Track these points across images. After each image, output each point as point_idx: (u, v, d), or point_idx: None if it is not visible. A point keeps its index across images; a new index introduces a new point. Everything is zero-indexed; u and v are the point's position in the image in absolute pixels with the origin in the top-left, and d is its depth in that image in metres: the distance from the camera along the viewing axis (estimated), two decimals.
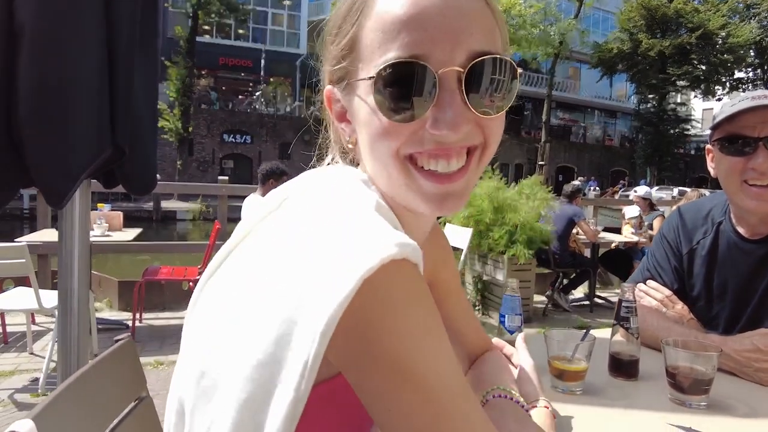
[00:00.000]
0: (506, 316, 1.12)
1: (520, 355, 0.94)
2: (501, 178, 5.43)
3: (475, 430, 0.51)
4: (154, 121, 1.86)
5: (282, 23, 29.60)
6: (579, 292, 6.05)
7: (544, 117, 25.00)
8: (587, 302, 5.80)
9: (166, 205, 18.24)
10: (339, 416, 0.61)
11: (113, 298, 4.98)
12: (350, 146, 0.65)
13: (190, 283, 4.29)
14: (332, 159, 0.71)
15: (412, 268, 0.51)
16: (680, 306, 1.39)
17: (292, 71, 28.67)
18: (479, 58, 0.55)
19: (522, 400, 0.81)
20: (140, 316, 4.53)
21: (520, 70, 0.61)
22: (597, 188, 24.15)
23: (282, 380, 0.48)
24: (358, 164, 0.67)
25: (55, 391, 0.77)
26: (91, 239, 4.25)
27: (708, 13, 28.01)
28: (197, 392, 0.56)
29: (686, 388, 0.99)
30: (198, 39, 22.00)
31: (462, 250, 4.95)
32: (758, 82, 31.27)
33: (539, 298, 5.69)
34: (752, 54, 30.43)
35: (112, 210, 5.03)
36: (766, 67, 30.87)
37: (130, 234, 4.78)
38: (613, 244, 6.06)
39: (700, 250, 1.38)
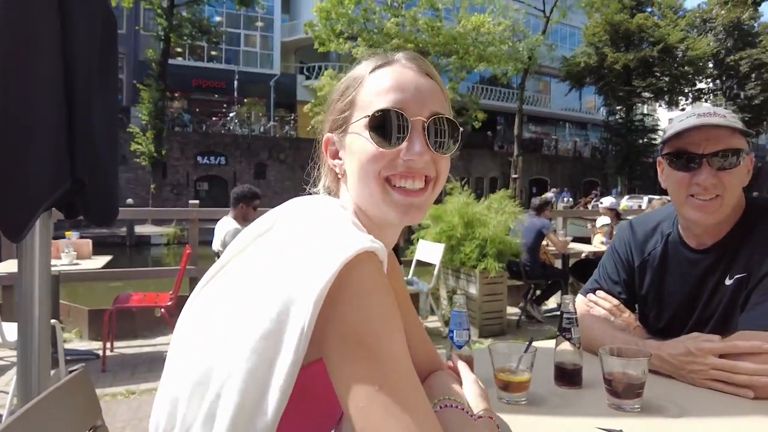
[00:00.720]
0: (454, 331, 1.16)
1: (461, 371, 0.99)
2: (471, 193, 5.53)
3: (409, 407, 0.61)
4: (115, 150, 1.87)
5: (255, 44, 29.69)
6: (552, 302, 6.15)
7: (516, 131, 25.44)
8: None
9: (140, 230, 17.92)
10: (313, 401, 0.72)
11: (83, 328, 4.88)
12: (340, 176, 0.85)
13: (162, 310, 4.24)
14: (318, 191, 0.90)
15: (379, 261, 0.68)
16: (627, 314, 1.46)
17: (266, 91, 28.70)
18: (436, 115, 0.80)
19: (469, 407, 0.86)
20: (111, 345, 4.44)
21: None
22: (570, 199, 24.63)
23: (283, 347, 0.63)
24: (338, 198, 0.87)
25: (4, 423, 0.79)
26: (59, 268, 4.22)
27: (667, 28, 29.10)
28: (194, 380, 0.68)
29: (621, 392, 1.06)
30: (170, 61, 21.87)
31: (435, 265, 5.02)
32: (718, 92, 32.51)
33: (513, 310, 5.77)
34: (711, 66, 31.68)
35: (81, 237, 4.96)
36: (724, 78, 32.13)
37: (100, 261, 4.70)
38: (583, 254, 6.20)
39: (651, 262, 1.45)
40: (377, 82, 0.81)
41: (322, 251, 0.65)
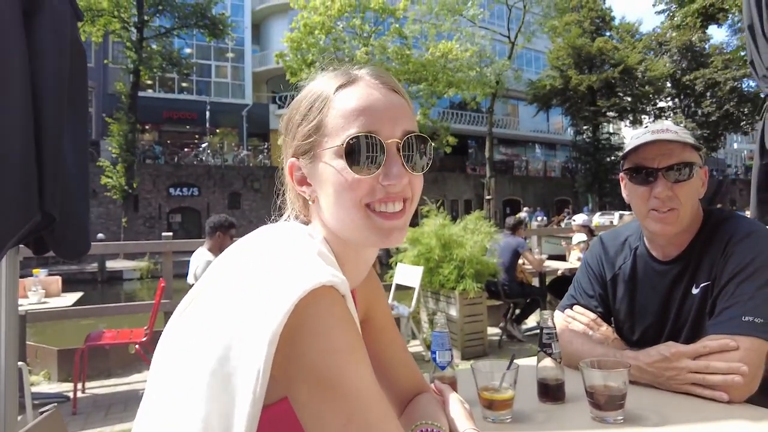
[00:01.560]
0: (437, 352, 1.16)
1: (444, 392, 0.98)
2: (446, 215, 5.57)
3: None
4: (85, 183, 1.84)
5: (226, 75, 29.75)
6: (531, 321, 6.19)
7: (487, 153, 25.95)
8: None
9: (111, 265, 17.46)
10: None
11: (52, 370, 4.68)
12: (311, 203, 0.82)
13: (137, 346, 4.11)
14: (288, 217, 0.87)
15: (339, 295, 0.66)
16: (605, 327, 1.49)
17: (238, 121, 28.67)
18: (409, 134, 0.78)
19: (447, 430, 0.85)
20: (83, 385, 4.27)
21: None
22: (544, 218, 25.04)
23: (241, 389, 0.60)
24: (308, 223, 0.84)
25: None
26: (27, 307, 4.07)
27: (626, 51, 30.44)
28: (160, 422, 0.65)
29: (603, 405, 1.06)
30: (141, 94, 21.73)
31: (414, 288, 5.01)
32: (677, 110, 33.89)
33: (493, 331, 5.78)
34: (669, 85, 33.09)
35: (49, 275, 4.80)
36: (682, 97, 33.57)
37: (70, 299, 4.55)
38: (560, 272, 6.28)
39: (622, 275, 1.49)
40: (345, 104, 0.77)
41: (277, 287, 0.63)
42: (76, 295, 4.73)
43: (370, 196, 0.76)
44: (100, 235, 18.78)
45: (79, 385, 4.12)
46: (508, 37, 25.75)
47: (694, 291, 1.33)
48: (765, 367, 1.18)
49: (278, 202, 0.89)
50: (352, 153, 0.75)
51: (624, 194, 1.44)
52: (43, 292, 4.30)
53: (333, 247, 0.79)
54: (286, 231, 0.78)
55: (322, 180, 0.78)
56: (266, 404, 0.62)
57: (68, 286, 4.80)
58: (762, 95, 2.21)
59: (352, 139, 0.74)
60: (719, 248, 1.30)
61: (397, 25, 19.96)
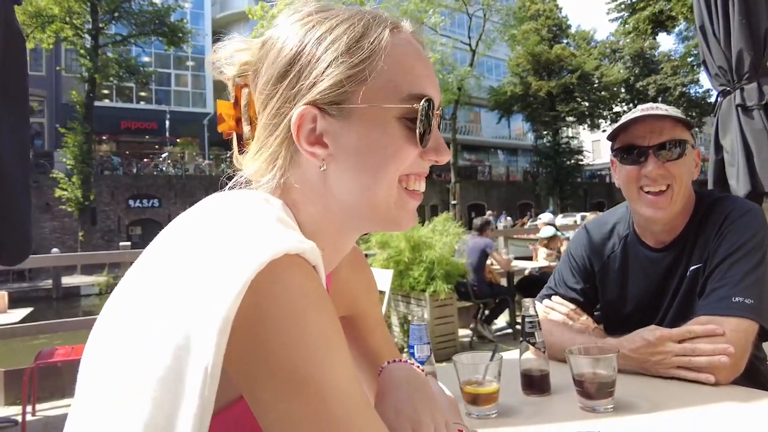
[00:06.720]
0: (415, 346, 1.09)
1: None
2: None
3: None
4: (26, 180, 1.68)
5: (186, 83, 29.11)
6: (501, 321, 6.20)
7: (451, 159, 26.16)
8: (510, 330, 5.95)
9: (67, 280, 16.70)
10: None
11: None
12: (322, 168, 0.62)
13: None
14: (267, 181, 0.65)
15: (308, 266, 0.51)
16: (585, 317, 1.44)
17: (199, 130, 28.07)
18: (440, 107, 0.68)
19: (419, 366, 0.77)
20: (33, 408, 3.98)
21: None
22: (509, 218, 25.45)
23: (185, 392, 0.47)
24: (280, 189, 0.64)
25: None
26: None
27: (583, 57, 31.57)
28: None
29: (593, 393, 1.01)
30: (97, 103, 20.98)
31: (385, 292, 4.93)
32: None
33: (464, 332, 5.75)
34: (623, 91, 34.38)
35: None
36: (636, 102, 34.91)
37: (17, 315, 4.26)
38: (527, 271, 6.32)
39: (612, 264, 1.44)
40: (404, 55, 0.63)
41: (225, 262, 0.48)
42: (24, 311, 4.43)
43: (412, 168, 0.65)
44: (55, 250, 17.97)
45: (29, 408, 3.85)
46: (469, 45, 26.16)
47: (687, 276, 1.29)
48: (751, 351, 1.15)
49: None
50: (413, 118, 0.62)
51: (615, 179, 1.39)
52: None
53: (311, 224, 0.64)
54: (235, 197, 0.61)
55: (352, 142, 0.61)
56: (220, 407, 0.50)
57: (20, 304, 4.51)
58: (714, 96, 2.26)
59: (419, 101, 0.62)
60: (714, 228, 1.27)
61: None
